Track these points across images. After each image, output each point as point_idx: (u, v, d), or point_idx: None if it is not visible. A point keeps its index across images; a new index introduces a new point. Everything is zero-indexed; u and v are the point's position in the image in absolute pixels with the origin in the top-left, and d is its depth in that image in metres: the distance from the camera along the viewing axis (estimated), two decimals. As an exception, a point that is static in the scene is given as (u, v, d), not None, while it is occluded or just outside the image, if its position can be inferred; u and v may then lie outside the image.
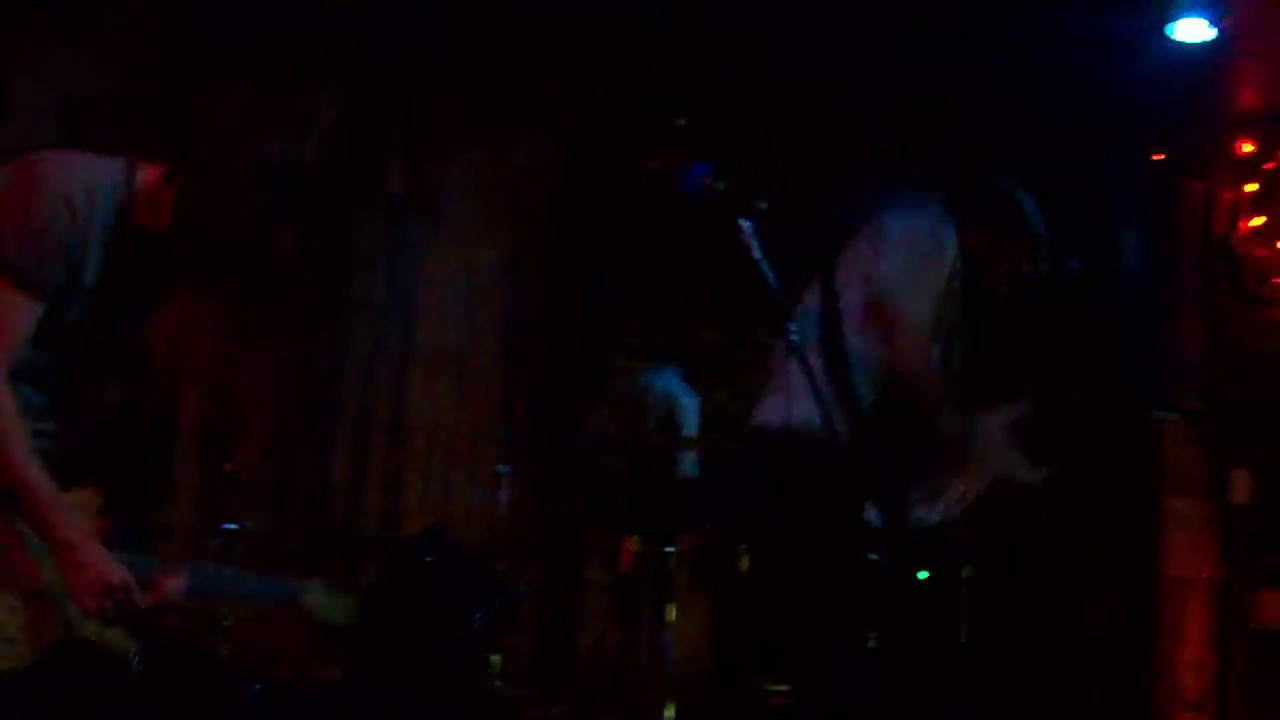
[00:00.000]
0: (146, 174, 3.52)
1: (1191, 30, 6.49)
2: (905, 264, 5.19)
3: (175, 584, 3.66)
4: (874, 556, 4.90)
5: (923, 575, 5.24)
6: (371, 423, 7.03)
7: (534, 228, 7.27)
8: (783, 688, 5.69)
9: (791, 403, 4.77)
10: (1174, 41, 6.56)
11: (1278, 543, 7.62)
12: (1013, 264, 5.33)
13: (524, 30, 7.04)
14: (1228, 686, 7.45)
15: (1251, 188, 7.62)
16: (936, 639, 5.57)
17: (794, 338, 4.25)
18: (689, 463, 6.59)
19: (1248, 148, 7.65)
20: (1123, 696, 7.41)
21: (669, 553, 4.56)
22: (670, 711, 4.37)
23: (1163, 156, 7.34)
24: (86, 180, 3.40)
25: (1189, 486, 7.56)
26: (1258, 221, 7.60)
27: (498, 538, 6.15)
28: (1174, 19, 6.44)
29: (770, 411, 5.04)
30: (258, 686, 5.35)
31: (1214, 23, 6.45)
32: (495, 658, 5.74)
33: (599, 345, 7.27)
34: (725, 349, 7.35)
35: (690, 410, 7.11)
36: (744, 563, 5.24)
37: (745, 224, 4.04)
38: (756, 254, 4.01)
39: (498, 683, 5.74)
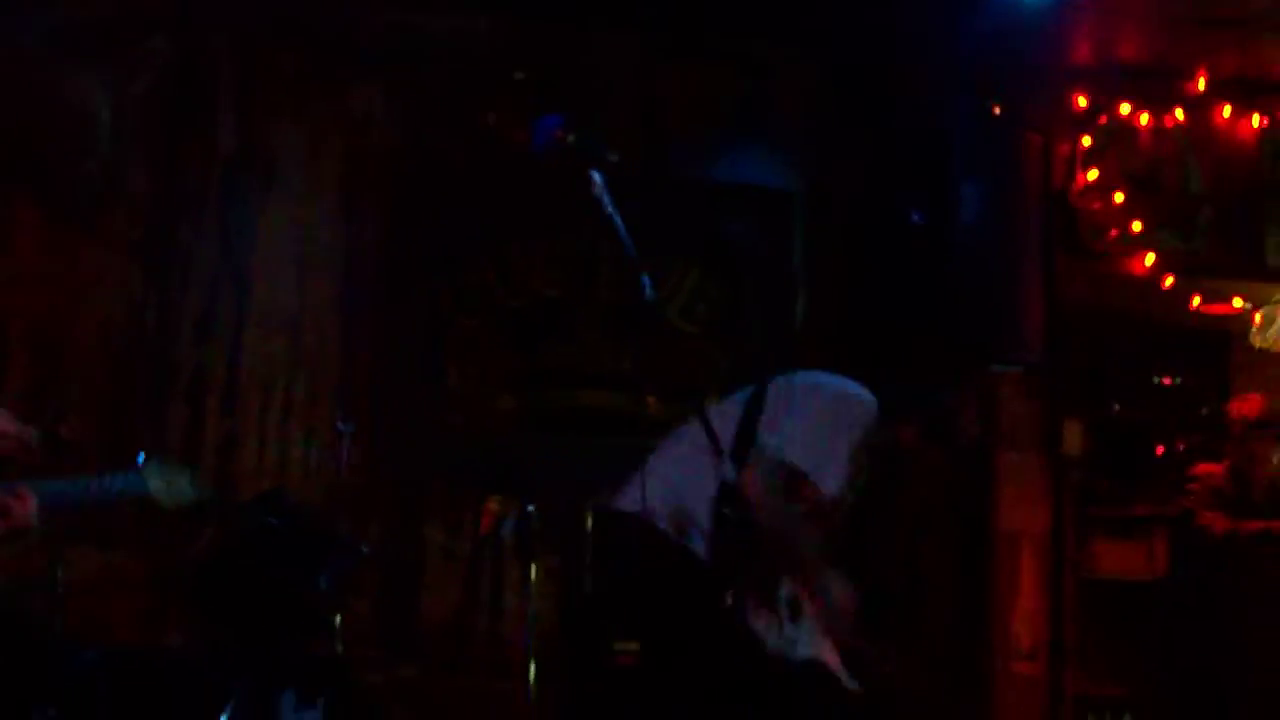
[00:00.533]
0: None
1: (1031, -17, 6.56)
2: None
3: (27, 505, 3.61)
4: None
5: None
6: (206, 384, 6.88)
7: (369, 183, 7.15)
8: (632, 646, 5.71)
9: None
10: (1014, -6, 6.62)
11: (1108, 494, 7.78)
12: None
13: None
14: (1060, 636, 7.58)
15: (1086, 142, 7.75)
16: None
17: (646, 295, 4.28)
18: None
19: (1083, 101, 7.76)
20: (959, 647, 7.51)
21: (529, 512, 4.50)
22: (532, 670, 4.31)
23: (1001, 109, 7.41)
24: None
25: (1023, 440, 7.67)
26: (1093, 175, 7.73)
27: (338, 498, 6.04)
28: (1012, -29, 6.51)
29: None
30: (91, 654, 5.22)
31: (1052, -24, 6.52)
32: (338, 619, 5.64)
33: (439, 302, 7.14)
34: (566, 306, 7.27)
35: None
36: (589, 522, 5.17)
37: (596, 177, 4.01)
38: (608, 208, 4.01)
39: (340, 645, 5.63)
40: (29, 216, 6.68)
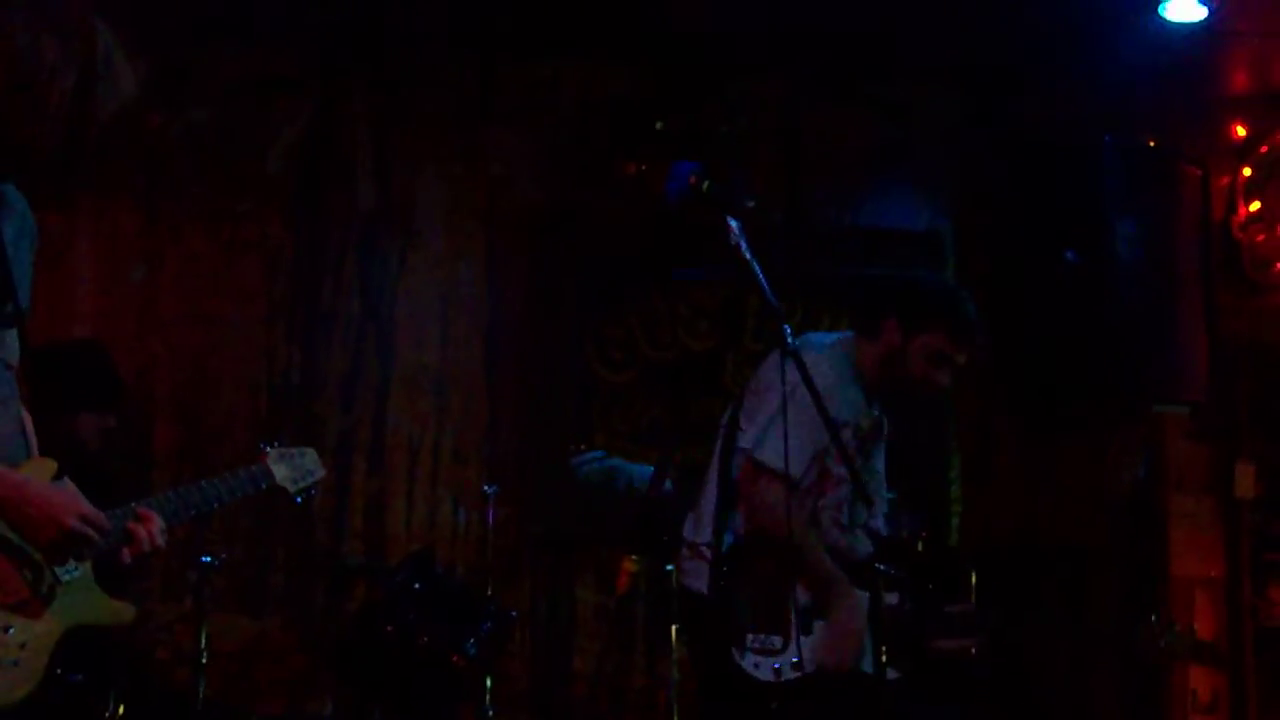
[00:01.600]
0: None
1: (1183, 10, 6.38)
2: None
3: (153, 528, 3.47)
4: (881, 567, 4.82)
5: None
6: (352, 445, 6.87)
7: (510, 238, 7.10)
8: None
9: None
10: (1166, 22, 6.44)
11: (1286, 538, 7.55)
12: (937, 353, 5.20)
13: (493, 36, 6.93)
14: (1241, 687, 7.36)
15: (1247, 173, 7.55)
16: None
17: (790, 345, 4.20)
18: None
19: (1242, 130, 7.57)
20: (1135, 701, 7.31)
21: (669, 571, 4.40)
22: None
23: (1157, 142, 7.25)
24: None
25: (1192, 483, 7.47)
26: (1255, 206, 7.52)
27: (486, 559, 5.98)
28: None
29: None
30: None
31: (1205, 2, 6.34)
32: (488, 683, 5.59)
33: (584, 358, 7.10)
34: (713, 358, 7.19)
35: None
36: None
37: (733, 223, 3.94)
38: (746, 254, 3.94)
39: (492, 710, 5.58)
40: (172, 274, 6.73)
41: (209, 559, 5.11)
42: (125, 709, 5.00)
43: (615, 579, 6.34)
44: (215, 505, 3.85)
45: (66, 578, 3.34)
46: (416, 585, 5.49)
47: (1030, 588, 7.14)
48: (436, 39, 6.95)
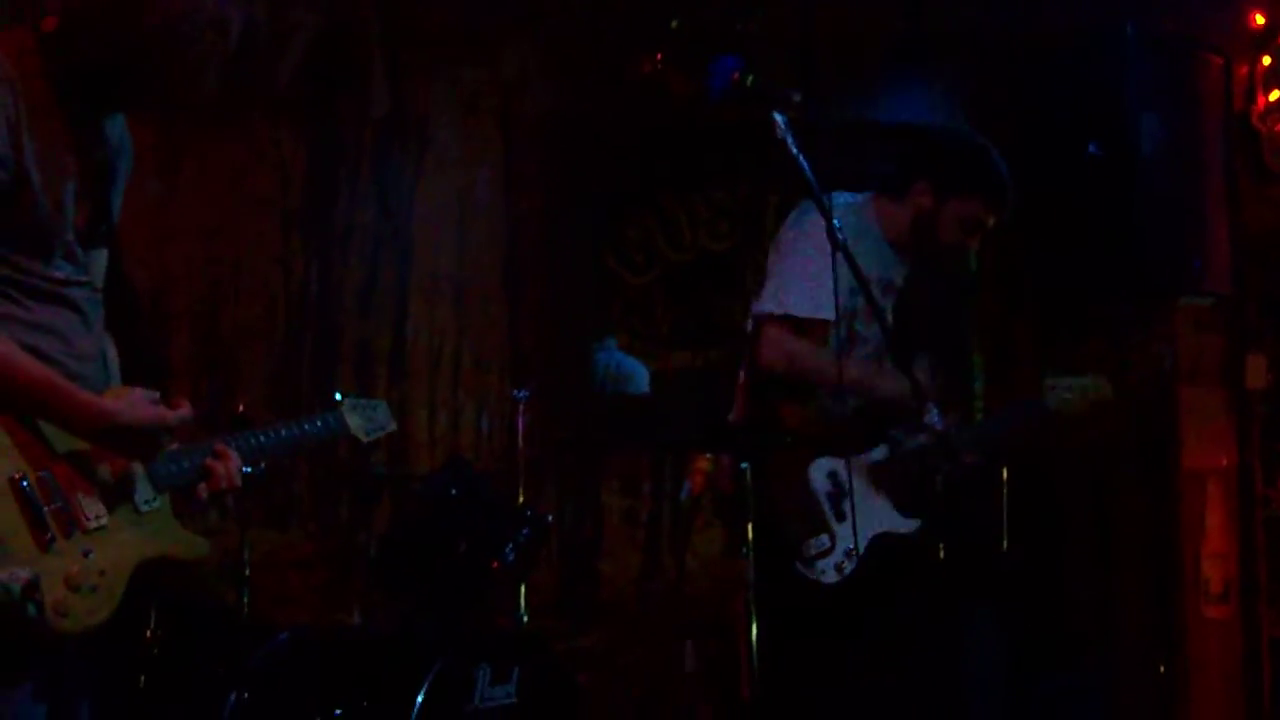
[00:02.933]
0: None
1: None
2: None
3: (231, 465, 3.47)
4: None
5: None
6: (372, 354, 6.82)
7: (526, 142, 7.05)
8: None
9: None
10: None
11: (1295, 429, 7.53)
12: (972, 220, 5.12)
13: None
14: (1253, 577, 7.35)
15: (1267, 62, 7.46)
16: (977, 539, 5.46)
17: (839, 235, 4.13)
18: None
19: (1260, 19, 7.48)
20: (1148, 592, 7.29)
21: (743, 469, 4.33)
22: (754, 628, 4.19)
23: (1179, 31, 7.16)
24: None
25: (1205, 375, 7.44)
26: (1275, 96, 7.44)
27: (512, 466, 5.91)
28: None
29: None
30: (282, 635, 5.18)
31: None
32: (523, 591, 5.55)
33: (604, 261, 7.06)
34: (734, 258, 7.13)
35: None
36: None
37: (779, 119, 3.84)
38: (793, 149, 3.86)
39: (525, 616, 5.53)
40: (186, 186, 6.59)
41: (249, 469, 5.00)
42: (162, 623, 5.00)
43: (690, 481, 6.30)
44: (292, 450, 3.89)
45: (145, 508, 3.34)
46: (453, 492, 5.43)
47: (1051, 485, 7.12)
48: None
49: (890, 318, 5.00)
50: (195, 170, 6.58)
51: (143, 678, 4.85)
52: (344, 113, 6.89)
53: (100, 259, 3.36)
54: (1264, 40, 7.45)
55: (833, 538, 4.76)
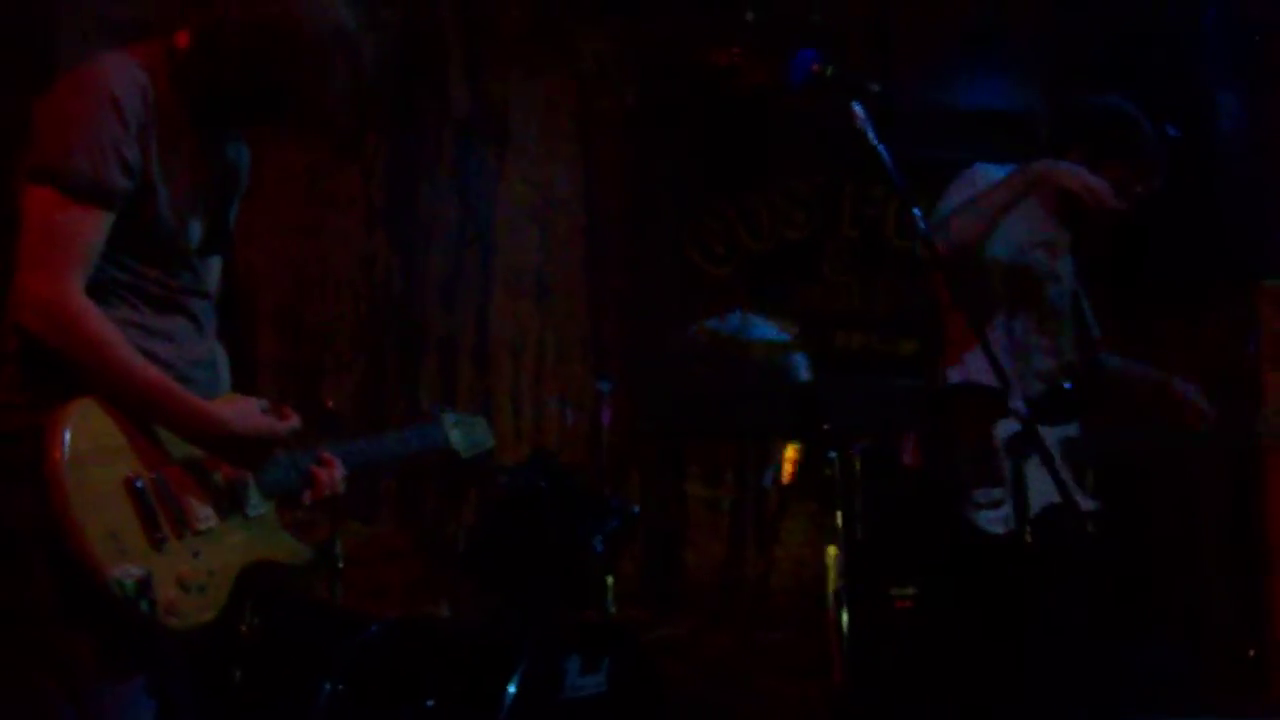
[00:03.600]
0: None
1: None
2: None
3: (335, 473, 3.53)
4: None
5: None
6: (456, 348, 6.83)
7: (605, 137, 7.04)
8: (909, 591, 5.60)
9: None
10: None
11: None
12: (1124, 186, 5.07)
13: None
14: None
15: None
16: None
17: (921, 229, 4.14)
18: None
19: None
20: (1235, 573, 7.21)
21: (831, 459, 4.31)
22: (844, 616, 4.19)
23: (1255, 13, 7.09)
24: (130, 76, 3.17)
25: (1285, 355, 7.36)
26: (1353, 74, 7.36)
27: (595, 457, 5.92)
28: None
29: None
30: (374, 626, 5.19)
31: None
32: (609, 581, 5.54)
33: (684, 253, 7.03)
34: (812, 247, 7.10)
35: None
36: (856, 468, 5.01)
37: (859, 109, 3.84)
38: (873, 140, 3.85)
39: (613, 607, 5.52)
40: (269, 184, 6.57)
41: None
42: (257, 617, 5.02)
43: (775, 469, 6.29)
44: (394, 460, 3.94)
45: (253, 513, 3.39)
46: (540, 484, 5.43)
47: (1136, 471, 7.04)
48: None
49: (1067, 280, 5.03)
50: (278, 168, 6.54)
51: (238, 671, 4.86)
52: (425, 110, 6.89)
53: (215, 267, 3.42)
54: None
55: (1006, 495, 4.74)
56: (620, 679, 5.14)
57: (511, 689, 4.79)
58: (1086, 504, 4.88)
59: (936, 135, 6.96)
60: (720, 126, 6.99)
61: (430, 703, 4.92)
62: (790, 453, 5.78)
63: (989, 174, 4.96)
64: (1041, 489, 4.72)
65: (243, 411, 3.27)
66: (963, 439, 4.80)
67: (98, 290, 3.12)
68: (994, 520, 4.76)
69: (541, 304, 6.91)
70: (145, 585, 3.09)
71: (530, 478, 5.46)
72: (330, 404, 5.26)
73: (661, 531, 6.83)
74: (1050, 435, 4.78)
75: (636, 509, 5.65)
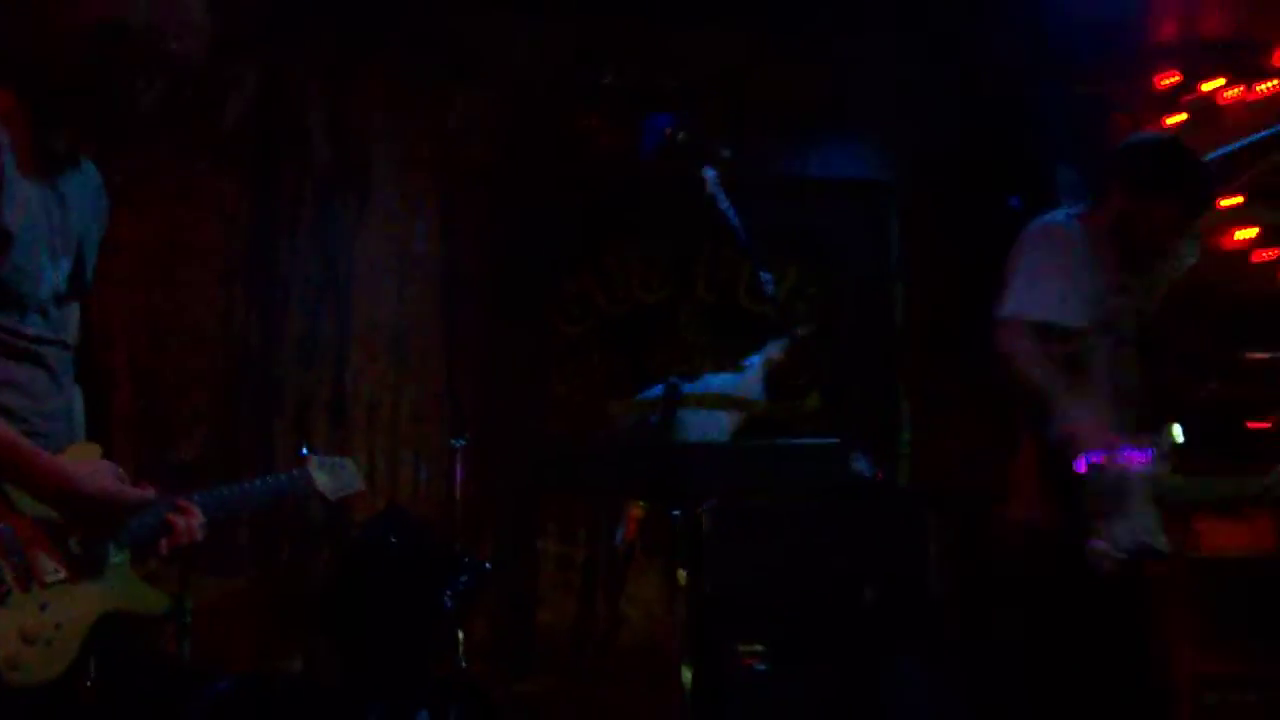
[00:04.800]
0: None
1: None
2: None
3: (193, 520, 3.40)
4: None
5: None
6: (312, 403, 6.77)
7: (466, 196, 7.01)
8: (759, 648, 5.61)
9: None
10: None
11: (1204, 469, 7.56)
12: (1170, 221, 5.05)
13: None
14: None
15: (1176, 119, 7.54)
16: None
17: (768, 291, 4.20)
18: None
19: (1170, 80, 7.56)
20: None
21: (675, 516, 4.31)
22: (687, 675, 4.16)
23: (1092, 92, 7.25)
24: None
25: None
26: (1179, 151, 7.54)
27: (449, 514, 5.87)
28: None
29: None
30: (223, 684, 5.11)
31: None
32: (460, 636, 5.49)
33: (541, 312, 7.06)
34: (667, 309, 7.14)
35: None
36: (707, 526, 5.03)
37: (710, 175, 3.92)
38: (723, 203, 3.91)
39: (464, 662, 5.48)
40: (126, 236, 6.47)
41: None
42: (102, 673, 4.92)
43: (624, 528, 6.29)
44: (257, 505, 3.87)
45: (107, 560, 3.29)
46: (392, 539, 5.38)
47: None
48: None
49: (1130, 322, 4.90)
50: (135, 221, 6.46)
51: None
52: (285, 164, 6.85)
53: (74, 314, 3.32)
54: (1172, 99, 7.56)
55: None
56: (469, 735, 5.12)
57: (361, 744, 4.77)
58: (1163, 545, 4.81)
59: (788, 202, 7.06)
60: (580, 188, 7.02)
61: (278, 759, 4.87)
62: (636, 511, 5.80)
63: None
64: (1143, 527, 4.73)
65: (94, 471, 3.20)
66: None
67: None
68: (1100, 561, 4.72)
69: (398, 360, 6.86)
70: None
71: (383, 532, 5.41)
72: (181, 454, 5.20)
73: (514, 588, 6.78)
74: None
75: (488, 565, 5.61)
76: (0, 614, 3.02)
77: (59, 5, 3.16)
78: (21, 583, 3.08)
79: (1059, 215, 5.06)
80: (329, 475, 4.16)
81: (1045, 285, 4.76)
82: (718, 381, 5.92)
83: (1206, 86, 7.54)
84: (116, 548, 3.30)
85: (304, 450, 4.16)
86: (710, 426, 5.31)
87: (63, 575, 3.17)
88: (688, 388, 5.30)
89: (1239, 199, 7.51)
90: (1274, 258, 7.57)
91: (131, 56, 3.20)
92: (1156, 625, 4.93)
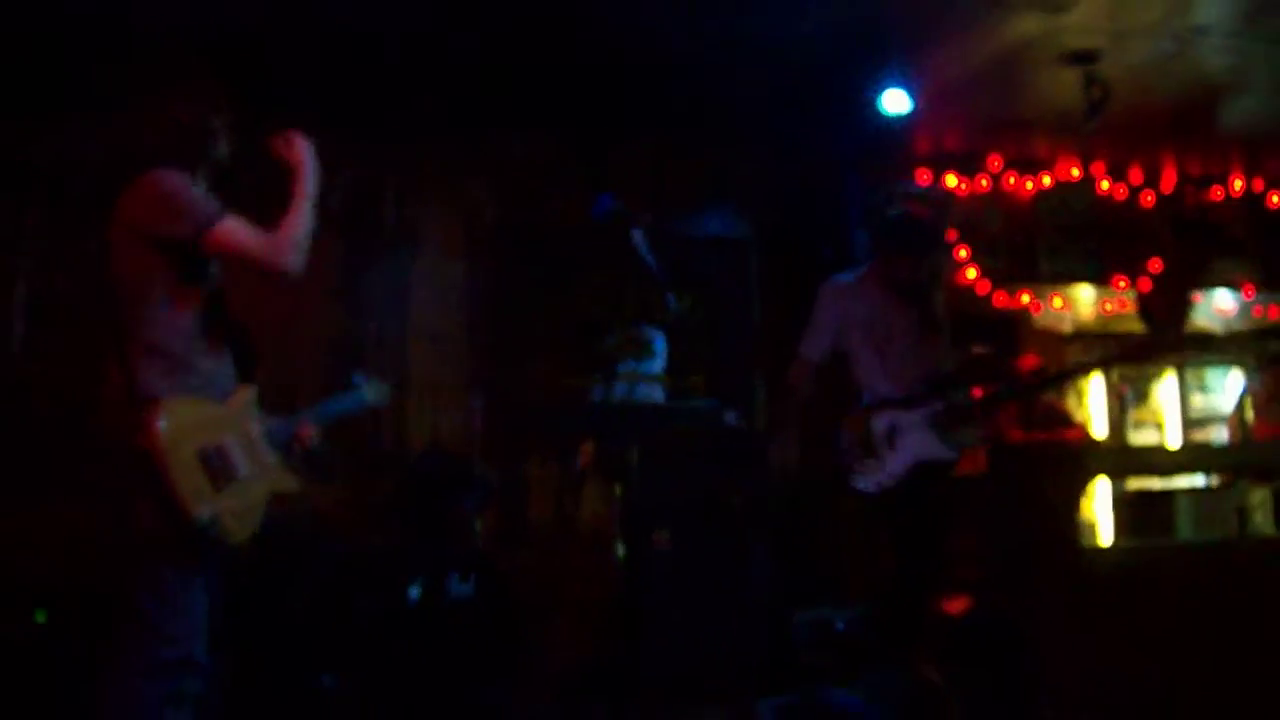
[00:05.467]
0: None
1: (897, 104, 6.40)
2: None
3: (309, 431, 3.63)
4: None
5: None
6: (384, 377, 6.64)
7: (482, 246, 6.97)
8: (666, 534, 5.64)
9: None
10: (886, 110, 6.46)
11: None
12: (910, 267, 5.12)
13: (468, 116, 6.74)
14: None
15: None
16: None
17: (672, 307, 4.21)
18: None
19: (926, 176, 7.67)
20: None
21: (616, 450, 4.36)
22: (620, 550, 4.19)
23: (880, 180, 7.34)
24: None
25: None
26: (942, 225, 7.64)
27: (471, 448, 5.88)
28: (881, 92, 6.33)
29: None
30: (334, 548, 5.16)
31: (911, 98, 6.36)
32: (478, 526, 5.50)
33: (529, 320, 6.99)
34: (606, 320, 7.12)
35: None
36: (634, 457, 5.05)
37: (636, 233, 3.94)
38: (645, 254, 3.92)
39: (480, 542, 5.50)
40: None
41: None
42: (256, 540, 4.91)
43: (579, 457, 6.25)
44: (335, 411, 3.98)
45: (270, 459, 3.41)
46: (433, 464, 5.43)
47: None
48: (435, 118, 6.76)
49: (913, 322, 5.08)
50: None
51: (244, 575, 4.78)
52: (367, 224, 6.80)
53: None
54: (922, 193, 7.68)
55: (881, 462, 4.81)
56: (484, 588, 5.14)
57: (414, 591, 4.78)
58: (949, 453, 4.91)
59: (686, 251, 7.07)
60: (554, 240, 6.96)
61: (364, 599, 4.90)
62: (588, 447, 5.79)
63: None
64: (917, 449, 4.81)
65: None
66: (849, 432, 4.95)
67: None
68: (869, 484, 4.86)
69: (438, 350, 6.81)
70: (216, 518, 3.09)
71: (428, 460, 5.46)
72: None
73: (511, 495, 6.77)
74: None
75: (494, 481, 5.64)
76: (220, 500, 3.11)
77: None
78: (230, 479, 3.18)
79: (844, 275, 5.20)
80: (372, 390, 4.23)
81: (816, 336, 4.97)
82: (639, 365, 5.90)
83: (949, 181, 7.68)
84: (271, 450, 3.39)
85: (356, 376, 4.24)
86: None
87: (247, 471, 3.26)
88: (621, 369, 5.38)
89: (964, 252, 7.64)
90: (987, 291, 7.73)
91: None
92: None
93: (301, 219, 3.44)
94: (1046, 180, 7.91)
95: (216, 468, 3.14)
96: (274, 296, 6.24)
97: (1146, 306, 8.09)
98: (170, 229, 3.16)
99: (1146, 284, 8.06)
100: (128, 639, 3.05)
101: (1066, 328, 8.32)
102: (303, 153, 3.50)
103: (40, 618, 4.62)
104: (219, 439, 3.17)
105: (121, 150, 3.32)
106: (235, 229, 3.25)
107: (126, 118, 3.35)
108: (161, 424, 3.03)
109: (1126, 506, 7.51)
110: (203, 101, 3.37)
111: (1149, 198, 8.06)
